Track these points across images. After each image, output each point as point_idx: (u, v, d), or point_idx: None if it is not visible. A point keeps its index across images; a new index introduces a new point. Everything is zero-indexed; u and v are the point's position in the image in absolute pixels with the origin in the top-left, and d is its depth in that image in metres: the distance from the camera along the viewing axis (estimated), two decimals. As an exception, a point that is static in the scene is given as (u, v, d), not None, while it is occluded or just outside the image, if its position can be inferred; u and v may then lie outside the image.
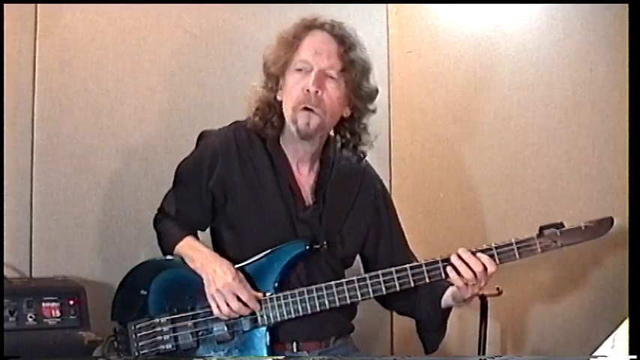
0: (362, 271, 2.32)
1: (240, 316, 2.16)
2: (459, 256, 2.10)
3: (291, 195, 2.23)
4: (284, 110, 2.21)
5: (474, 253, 2.10)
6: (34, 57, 2.54)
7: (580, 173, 2.71)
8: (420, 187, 3.02)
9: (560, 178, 2.75)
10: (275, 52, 2.21)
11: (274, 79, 2.22)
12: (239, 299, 2.14)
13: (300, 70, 2.17)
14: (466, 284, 2.10)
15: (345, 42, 2.18)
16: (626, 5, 2.21)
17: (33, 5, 2.54)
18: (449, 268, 2.10)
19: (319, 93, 2.15)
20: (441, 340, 2.34)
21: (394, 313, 2.95)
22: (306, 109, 2.15)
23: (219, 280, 2.15)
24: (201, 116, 2.74)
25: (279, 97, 2.23)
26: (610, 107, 2.64)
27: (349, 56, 2.18)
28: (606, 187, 2.65)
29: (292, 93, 2.18)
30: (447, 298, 2.23)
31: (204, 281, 2.18)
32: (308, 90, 2.14)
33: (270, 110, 2.23)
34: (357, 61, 2.19)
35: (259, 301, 2.16)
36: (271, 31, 2.62)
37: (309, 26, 2.20)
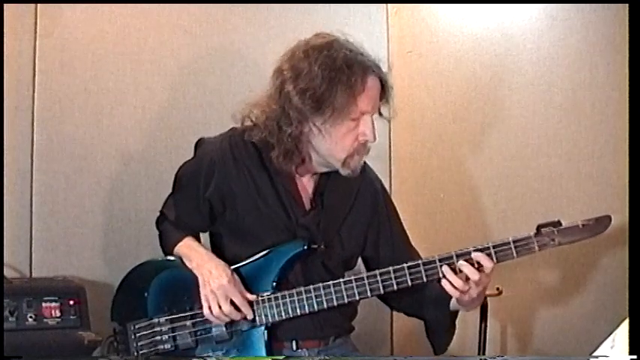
0: (363, 271, 2.31)
1: (232, 320, 2.16)
2: (449, 267, 2.08)
3: (290, 202, 2.22)
4: (324, 152, 2.14)
5: (468, 260, 2.09)
6: (34, 57, 2.55)
7: (580, 173, 2.71)
8: (420, 187, 3.02)
9: (560, 178, 2.75)
10: (323, 93, 2.05)
11: (304, 117, 2.09)
12: (232, 302, 2.14)
13: (355, 119, 2.11)
14: (462, 292, 2.09)
15: (383, 79, 2.15)
16: (626, 5, 2.20)
17: (33, 5, 2.54)
18: (443, 281, 2.08)
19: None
20: (450, 342, 2.33)
21: (394, 314, 2.96)
22: (358, 154, 2.15)
23: (215, 282, 2.15)
24: (201, 116, 2.74)
25: (294, 131, 2.10)
26: (610, 107, 2.64)
27: (387, 94, 2.17)
28: (606, 187, 2.65)
29: (345, 141, 2.11)
30: (454, 302, 2.22)
31: (200, 281, 2.17)
32: (365, 140, 2.13)
33: (285, 144, 2.12)
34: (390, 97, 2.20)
35: (256, 302, 2.16)
36: (271, 30, 2.63)
37: (365, 70, 2.10)
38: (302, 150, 2.16)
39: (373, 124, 2.13)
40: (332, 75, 2.06)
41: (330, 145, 2.13)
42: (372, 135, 2.13)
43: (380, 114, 2.18)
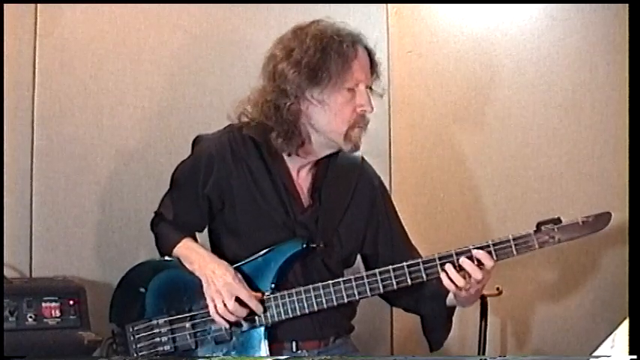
0: (362, 270, 2.31)
1: (236, 321, 2.15)
2: (452, 264, 2.09)
3: (289, 198, 2.22)
4: (324, 127, 2.15)
5: (469, 257, 2.09)
6: (34, 57, 2.55)
7: (580, 173, 2.71)
8: (420, 186, 3.02)
9: (560, 178, 2.75)
10: (317, 61, 2.09)
11: (301, 90, 2.11)
12: (237, 300, 2.13)
13: (351, 89, 2.13)
14: (460, 289, 2.09)
15: (371, 53, 2.18)
16: (626, 5, 2.21)
17: (33, 5, 2.54)
18: (442, 275, 2.08)
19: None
20: (446, 338, 2.34)
21: (394, 314, 2.96)
22: (359, 127, 2.16)
23: (219, 281, 2.14)
24: (201, 116, 2.74)
25: (292, 106, 2.12)
26: (610, 107, 2.64)
27: (377, 68, 2.20)
28: (606, 186, 2.65)
29: (344, 112, 2.13)
30: (451, 297, 2.22)
31: (204, 282, 2.17)
32: (364, 111, 2.14)
33: (283, 123, 2.13)
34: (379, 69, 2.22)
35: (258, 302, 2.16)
36: (271, 30, 2.62)
37: (354, 38, 2.14)
38: (301, 130, 2.16)
39: (369, 95, 2.15)
40: (324, 43, 2.10)
41: (329, 117, 2.14)
42: (369, 105, 2.15)
43: (371, 89, 2.18)
